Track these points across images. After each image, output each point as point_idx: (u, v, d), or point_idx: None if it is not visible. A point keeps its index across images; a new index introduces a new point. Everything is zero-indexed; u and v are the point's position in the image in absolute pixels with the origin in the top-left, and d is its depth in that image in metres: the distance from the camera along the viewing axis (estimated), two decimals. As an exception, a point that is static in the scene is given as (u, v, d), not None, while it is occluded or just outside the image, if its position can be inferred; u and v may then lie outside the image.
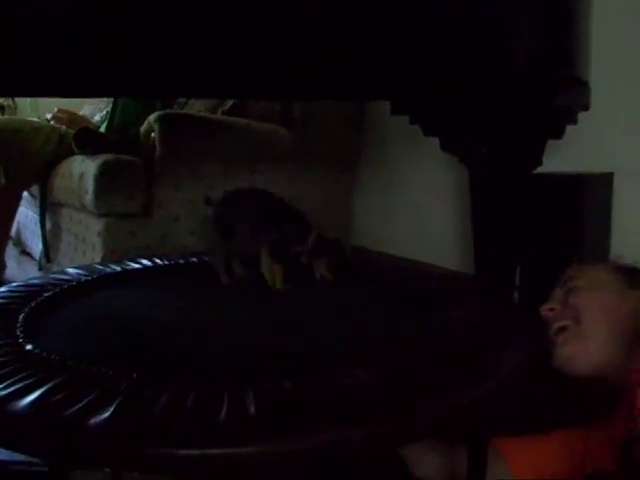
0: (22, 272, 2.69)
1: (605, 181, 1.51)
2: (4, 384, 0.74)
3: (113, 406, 0.66)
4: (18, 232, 2.98)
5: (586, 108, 1.13)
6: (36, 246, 2.61)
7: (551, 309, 1.09)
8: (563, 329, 1.07)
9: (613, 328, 1.00)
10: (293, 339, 0.91)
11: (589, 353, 1.04)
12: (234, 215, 1.20)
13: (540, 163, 1.26)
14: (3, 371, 0.78)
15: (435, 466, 1.02)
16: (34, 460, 0.79)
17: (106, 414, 0.65)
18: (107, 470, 0.60)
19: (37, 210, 2.45)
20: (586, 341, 1.04)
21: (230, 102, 2.26)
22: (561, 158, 1.39)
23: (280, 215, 1.20)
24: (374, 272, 1.33)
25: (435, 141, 1.32)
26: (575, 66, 1.02)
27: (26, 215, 2.78)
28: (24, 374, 0.76)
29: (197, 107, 2.33)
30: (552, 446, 1.04)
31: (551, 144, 1.22)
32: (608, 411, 0.99)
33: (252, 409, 0.64)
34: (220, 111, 2.27)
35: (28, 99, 3.93)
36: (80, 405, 0.67)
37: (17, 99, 4.06)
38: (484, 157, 1.26)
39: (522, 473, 1.01)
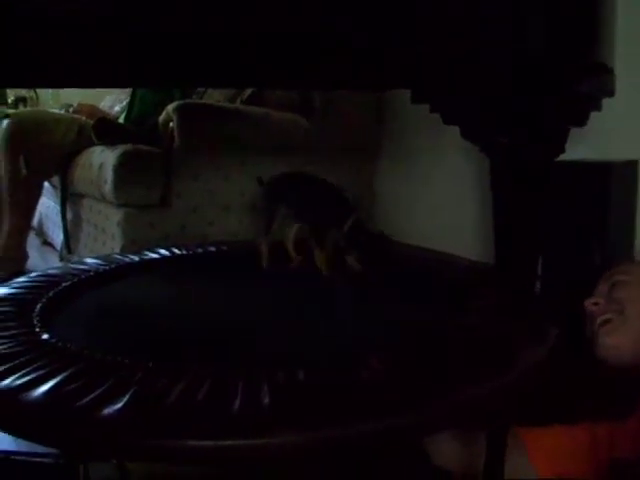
0: (44, 262, 2.71)
1: (630, 169, 1.48)
2: (20, 373, 0.74)
3: (127, 396, 0.66)
4: (40, 222, 3.01)
5: (611, 94, 1.11)
6: (57, 236, 2.62)
7: (595, 303, 1.08)
8: (607, 321, 1.07)
9: None
10: (309, 329, 0.90)
11: (633, 342, 1.04)
12: (278, 197, 1.23)
13: (563, 151, 1.23)
14: (19, 360, 0.78)
15: (455, 455, 1.01)
16: (38, 451, 0.79)
17: (120, 404, 0.64)
18: (113, 462, 0.59)
19: (58, 200, 2.46)
20: (630, 331, 1.04)
21: (249, 91, 2.25)
22: (585, 146, 1.37)
23: (322, 199, 1.19)
24: (394, 261, 1.31)
25: (456, 130, 1.30)
26: (599, 52, 1.00)
27: (47, 205, 2.80)
28: (40, 363, 0.76)
29: (216, 96, 2.32)
30: (574, 437, 1.03)
31: (574, 131, 1.20)
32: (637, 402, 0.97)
33: (266, 400, 0.63)
34: (239, 100, 2.26)
35: (49, 90, 3.96)
36: (94, 395, 0.66)
37: (38, 91, 4.09)
38: (505, 146, 1.24)
39: (540, 462, 1.01)
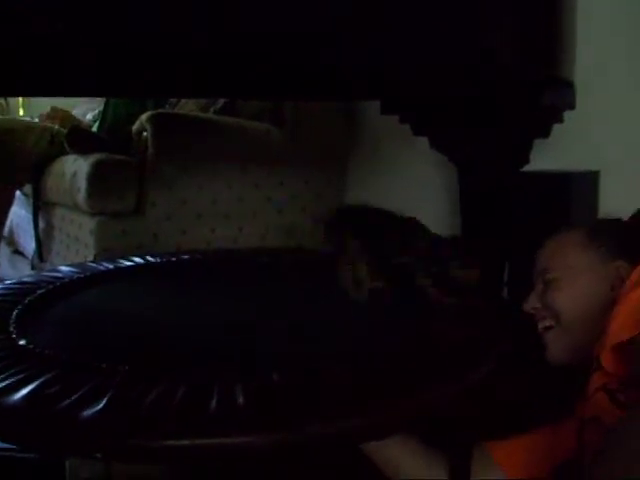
0: (15, 271, 2.70)
1: (591, 179, 1.53)
2: (-3, 378, 0.75)
3: (105, 399, 0.67)
4: (11, 231, 2.99)
5: (571, 107, 1.15)
6: (29, 245, 2.61)
7: (534, 308, 1.11)
8: (547, 328, 1.09)
9: (591, 318, 1.01)
10: (279, 335, 0.93)
11: (573, 346, 1.07)
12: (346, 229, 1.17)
13: (527, 161, 1.28)
14: (-5, 366, 0.79)
15: (410, 471, 1.03)
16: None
17: (99, 406, 0.66)
18: (98, 458, 0.61)
19: (30, 209, 2.45)
20: (569, 339, 1.07)
21: (221, 102, 2.27)
22: (548, 156, 1.42)
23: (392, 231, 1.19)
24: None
25: (425, 140, 1.34)
26: (560, 66, 1.04)
27: (19, 214, 2.78)
28: (17, 369, 0.77)
29: (189, 107, 2.34)
30: (541, 443, 1.06)
31: (538, 143, 1.24)
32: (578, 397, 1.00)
33: (241, 401, 0.66)
34: (211, 110, 2.28)
35: (20, 99, 3.93)
36: (73, 398, 0.68)
37: (9, 98, 4.06)
38: (472, 156, 1.28)
39: (517, 476, 1.03)
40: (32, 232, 2.43)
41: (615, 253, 1.04)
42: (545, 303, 1.09)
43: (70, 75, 0.94)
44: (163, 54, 0.79)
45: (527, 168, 1.29)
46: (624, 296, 0.94)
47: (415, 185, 2.26)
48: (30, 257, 2.57)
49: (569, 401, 1.02)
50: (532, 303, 1.11)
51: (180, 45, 0.79)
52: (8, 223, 2.73)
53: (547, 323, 1.09)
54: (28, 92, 1.88)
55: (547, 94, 1.12)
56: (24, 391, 0.71)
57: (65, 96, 1.09)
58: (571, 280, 1.06)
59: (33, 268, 2.48)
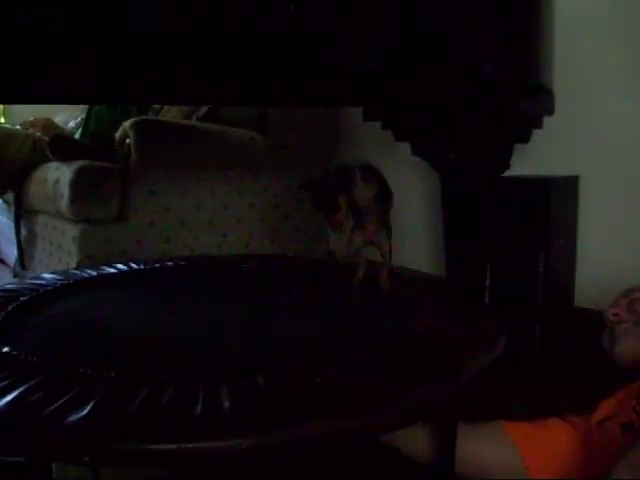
0: (-4, 279, 2.68)
1: (571, 184, 1.55)
2: (-19, 385, 0.75)
3: (91, 404, 0.68)
4: (-8, 239, 2.97)
5: (550, 113, 1.17)
6: (10, 253, 2.60)
7: (615, 314, 1.16)
8: (626, 329, 1.14)
9: None
10: (264, 337, 0.93)
11: None
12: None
13: (508, 167, 1.29)
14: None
15: (423, 446, 1.04)
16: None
17: (84, 411, 0.66)
18: (85, 463, 0.62)
19: (11, 217, 2.44)
20: None
21: (204, 108, 2.28)
22: (528, 162, 1.43)
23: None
24: (346, 275, 1.35)
25: (407, 147, 1.35)
26: (538, 73, 1.06)
27: (0, 222, 2.77)
28: (1, 375, 0.77)
29: (172, 113, 2.35)
30: (565, 433, 1.07)
31: (518, 148, 1.26)
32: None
33: (226, 404, 0.66)
34: (195, 117, 2.29)
35: (0, 106, 3.91)
36: (58, 404, 0.68)
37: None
38: (453, 162, 1.29)
39: (534, 461, 1.05)
40: (14, 240, 2.42)
41: None
42: (629, 311, 1.14)
43: (54, 82, 0.94)
44: (148, 59, 0.80)
45: (507, 173, 1.31)
46: None
47: (397, 191, 2.27)
48: (12, 265, 2.56)
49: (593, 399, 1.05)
50: (616, 310, 1.16)
51: (165, 51, 0.79)
52: (-11, 231, 2.72)
53: (626, 325, 1.14)
54: (10, 99, 1.88)
55: (524, 101, 1.14)
56: (8, 397, 0.70)
57: (47, 103, 1.09)
58: None
59: (15, 276, 2.47)
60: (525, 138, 1.24)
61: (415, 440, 1.07)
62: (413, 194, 2.15)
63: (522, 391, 1.30)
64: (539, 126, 1.23)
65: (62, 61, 0.75)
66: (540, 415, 1.11)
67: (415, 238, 2.15)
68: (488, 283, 1.43)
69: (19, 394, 0.71)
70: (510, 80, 1.02)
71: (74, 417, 0.65)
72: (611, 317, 1.17)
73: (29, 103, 1.04)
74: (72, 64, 0.76)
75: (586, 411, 1.07)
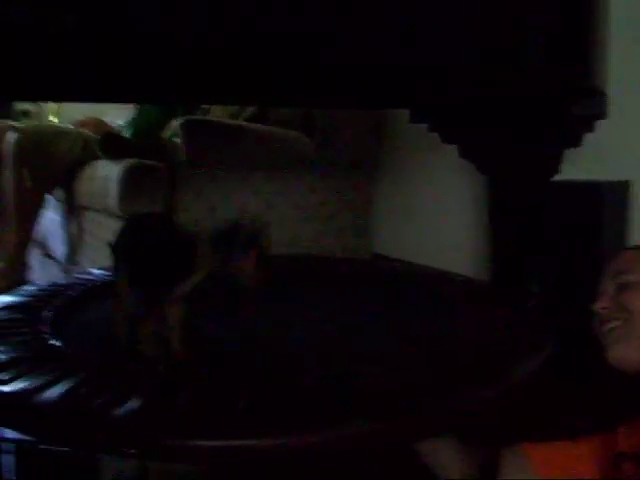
0: (45, 274, 2.74)
1: (622, 189, 1.51)
2: (31, 378, 0.76)
3: (139, 399, 0.69)
4: (42, 235, 3.04)
5: (603, 116, 1.15)
6: (59, 249, 2.65)
7: (604, 308, 1.10)
8: (614, 329, 1.09)
9: None
10: (309, 340, 0.93)
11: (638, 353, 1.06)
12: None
13: (558, 171, 1.27)
14: (29, 366, 0.80)
15: (453, 465, 1.03)
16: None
17: (133, 406, 0.67)
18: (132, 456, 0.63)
19: (61, 213, 2.49)
20: (636, 341, 1.06)
21: (251, 109, 2.29)
22: (579, 166, 1.41)
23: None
24: (393, 277, 1.35)
25: (454, 149, 1.34)
26: (591, 75, 1.04)
27: (50, 218, 2.83)
28: (50, 368, 0.79)
29: (219, 113, 2.37)
30: (583, 452, 1.05)
31: (569, 152, 1.24)
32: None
33: (272, 402, 0.67)
34: (242, 117, 2.30)
35: (53, 105, 3.99)
36: (107, 397, 0.69)
37: (42, 104, 4.13)
38: (501, 165, 1.27)
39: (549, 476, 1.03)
40: (63, 235, 2.47)
41: None
42: (618, 304, 1.08)
43: (102, 81, 0.96)
44: (195, 60, 0.81)
45: (557, 177, 1.28)
46: None
47: (443, 194, 2.26)
48: (61, 260, 2.61)
49: (615, 414, 1.01)
50: (603, 303, 1.09)
51: (209, 50, 0.80)
52: (40, 227, 2.78)
53: (616, 323, 1.08)
54: (62, 97, 1.92)
55: (578, 103, 1.12)
56: (58, 389, 0.72)
57: (97, 102, 1.11)
58: None
59: (64, 272, 2.52)
60: (576, 142, 1.22)
61: (442, 451, 1.05)
62: (460, 198, 2.13)
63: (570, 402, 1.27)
64: (590, 129, 1.21)
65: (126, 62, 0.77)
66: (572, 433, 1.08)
67: (458, 242, 2.12)
68: (538, 289, 1.41)
69: (69, 387, 0.73)
70: (562, 83, 1.00)
71: (122, 410, 0.66)
72: (599, 310, 1.10)
73: (82, 102, 1.06)
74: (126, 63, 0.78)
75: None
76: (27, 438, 0.72)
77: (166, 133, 2.09)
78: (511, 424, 0.99)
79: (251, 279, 0.89)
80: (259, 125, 2.22)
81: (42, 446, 0.76)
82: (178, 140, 2.00)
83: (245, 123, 2.25)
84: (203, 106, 2.41)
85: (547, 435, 1.08)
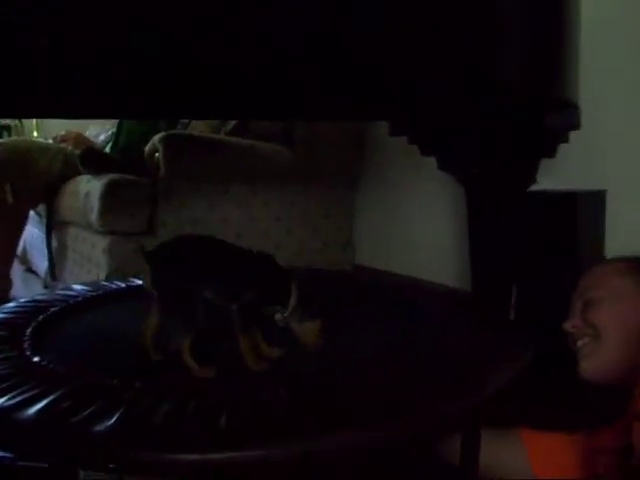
0: (28, 290, 2.73)
1: (598, 198, 1.54)
2: (12, 394, 0.76)
3: (118, 414, 0.69)
4: (24, 250, 3.03)
5: (576, 127, 1.17)
6: (41, 264, 2.64)
7: (573, 326, 1.13)
8: (584, 346, 1.12)
9: (631, 339, 1.03)
10: (291, 352, 0.94)
11: (611, 364, 1.08)
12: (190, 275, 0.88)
13: (534, 181, 1.29)
14: (10, 382, 0.80)
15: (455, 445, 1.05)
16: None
17: (111, 421, 0.67)
18: (112, 471, 0.63)
19: (43, 229, 2.49)
20: (605, 355, 1.09)
21: (232, 123, 2.30)
22: (555, 176, 1.43)
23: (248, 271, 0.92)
24: (372, 289, 1.36)
25: (433, 161, 1.35)
26: (564, 88, 1.06)
27: (32, 234, 2.82)
28: (30, 385, 0.79)
29: (200, 127, 2.37)
30: (568, 444, 1.08)
31: (545, 163, 1.26)
32: (618, 415, 1.02)
33: (250, 415, 0.67)
34: (223, 131, 2.31)
35: (33, 120, 3.99)
36: (86, 413, 0.70)
37: (23, 120, 4.12)
38: (479, 177, 1.29)
39: (537, 465, 1.08)
40: (45, 251, 2.47)
41: None
42: (586, 320, 1.10)
43: (83, 96, 0.96)
44: (175, 75, 0.82)
45: (533, 188, 1.30)
46: None
47: (423, 204, 2.28)
48: (43, 276, 2.60)
49: (606, 411, 1.04)
50: (574, 321, 1.13)
51: (191, 65, 0.81)
52: (21, 242, 2.77)
53: (586, 340, 1.11)
54: (40, 113, 1.91)
55: (549, 116, 1.14)
56: (37, 406, 0.72)
57: (79, 118, 1.11)
58: (614, 300, 1.08)
59: (46, 287, 2.51)
60: (551, 153, 1.24)
61: (447, 439, 1.08)
62: (440, 209, 2.15)
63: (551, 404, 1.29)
64: (565, 140, 1.23)
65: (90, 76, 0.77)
66: (561, 427, 1.12)
67: (440, 253, 2.14)
68: (514, 299, 1.43)
69: (48, 403, 0.73)
70: (535, 95, 1.02)
71: (101, 426, 0.67)
72: (570, 329, 1.14)
73: (56, 117, 1.07)
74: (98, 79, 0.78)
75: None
76: (6, 455, 0.72)
77: (147, 148, 2.10)
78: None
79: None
80: (240, 139, 2.23)
81: (21, 462, 0.76)
82: (159, 155, 2.01)
83: (226, 137, 2.26)
84: (183, 120, 2.42)
85: (542, 425, 1.12)
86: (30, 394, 0.76)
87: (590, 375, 1.11)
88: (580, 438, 1.09)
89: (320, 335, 0.88)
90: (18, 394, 0.76)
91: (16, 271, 2.81)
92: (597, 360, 1.10)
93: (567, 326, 1.14)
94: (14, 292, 2.58)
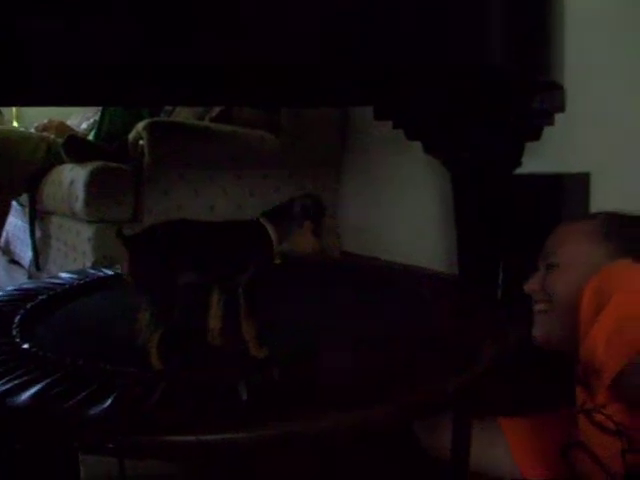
0: (12, 281, 2.71)
1: (582, 181, 1.55)
2: (3, 380, 0.76)
3: (111, 398, 0.69)
4: (7, 241, 3.00)
5: (561, 110, 1.18)
6: (25, 254, 2.62)
7: (532, 290, 1.12)
8: (540, 312, 1.11)
9: (583, 309, 1.02)
10: (284, 334, 0.94)
11: (558, 335, 1.08)
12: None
13: (519, 164, 1.30)
14: (1, 369, 0.80)
15: (444, 441, 1.05)
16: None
17: (105, 405, 0.67)
18: (107, 454, 0.63)
19: (26, 219, 2.47)
20: (555, 324, 1.08)
21: (217, 109, 2.30)
22: (540, 159, 1.44)
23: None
24: (360, 274, 1.36)
25: (418, 145, 1.36)
26: (549, 70, 1.06)
27: (15, 224, 2.80)
28: (22, 371, 0.79)
29: (184, 115, 2.36)
30: (545, 427, 1.09)
31: (530, 145, 1.27)
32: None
33: (244, 397, 0.68)
34: (207, 118, 2.31)
35: (13, 109, 3.94)
36: (79, 397, 0.70)
37: (2, 109, 4.07)
38: (465, 160, 1.30)
39: (519, 452, 1.09)
40: (28, 241, 2.45)
41: (623, 251, 1.04)
42: (544, 286, 1.10)
43: (68, 84, 0.96)
44: (160, 63, 0.81)
45: (519, 171, 1.31)
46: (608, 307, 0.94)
47: (408, 189, 2.29)
48: (27, 266, 2.58)
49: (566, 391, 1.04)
50: (532, 285, 1.12)
51: (177, 52, 0.81)
52: (4, 233, 2.75)
53: (542, 307, 1.10)
54: (24, 102, 1.90)
55: (537, 98, 1.14)
56: (31, 391, 0.72)
57: (62, 105, 1.11)
58: (573, 268, 1.06)
59: (30, 277, 2.49)
60: (536, 135, 1.25)
61: (437, 435, 1.08)
62: (425, 193, 2.16)
63: (529, 386, 1.31)
64: (550, 123, 1.24)
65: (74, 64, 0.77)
66: (539, 409, 1.13)
67: (428, 237, 2.15)
68: (500, 280, 1.44)
69: (40, 389, 0.73)
70: (521, 76, 1.03)
71: (95, 410, 0.67)
72: (528, 292, 1.13)
73: (37, 105, 1.06)
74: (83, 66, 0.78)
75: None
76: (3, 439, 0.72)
77: (131, 135, 2.08)
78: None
79: (311, 249, 0.92)
80: (224, 125, 2.23)
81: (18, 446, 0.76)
82: (143, 142, 2.00)
83: (210, 124, 2.25)
84: (167, 107, 2.41)
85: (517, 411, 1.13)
86: (22, 379, 0.75)
87: (540, 342, 1.12)
88: (551, 419, 1.10)
89: (316, 234, 0.90)
90: (10, 380, 0.76)
91: (-1, 262, 2.80)
92: (547, 328, 1.10)
93: (525, 288, 1.14)
94: (-2, 283, 2.56)
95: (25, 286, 1.22)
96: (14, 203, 2.64)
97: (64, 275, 1.29)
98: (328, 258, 1.87)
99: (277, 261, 0.91)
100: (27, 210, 2.46)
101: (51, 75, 0.84)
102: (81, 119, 2.91)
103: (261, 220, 0.90)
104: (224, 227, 0.91)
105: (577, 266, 1.06)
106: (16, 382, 0.74)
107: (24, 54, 0.76)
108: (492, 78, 1.02)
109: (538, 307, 1.11)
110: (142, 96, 1.28)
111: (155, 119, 2.15)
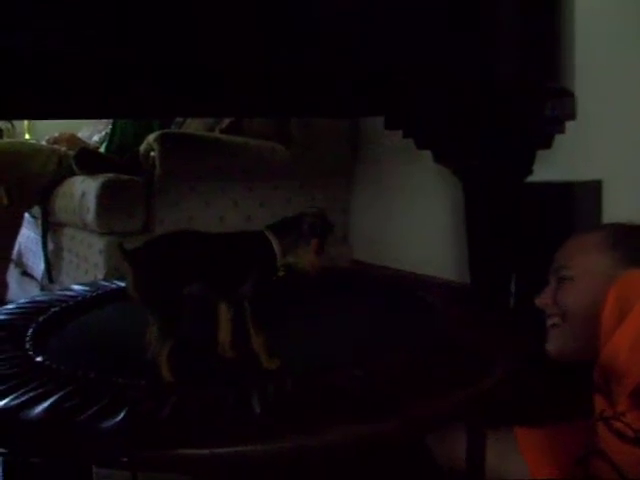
0: (24, 293, 2.72)
1: (594, 189, 1.55)
2: (17, 393, 0.76)
3: (124, 411, 0.69)
4: (19, 253, 3.01)
5: (572, 117, 1.17)
6: (37, 267, 2.63)
7: (545, 303, 1.12)
8: (554, 326, 1.11)
9: (599, 323, 1.02)
10: (293, 346, 0.94)
11: (572, 349, 1.08)
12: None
13: (530, 172, 1.30)
14: (15, 382, 0.80)
15: (458, 451, 1.04)
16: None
17: (117, 418, 0.67)
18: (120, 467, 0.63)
19: (38, 231, 2.48)
20: (569, 339, 1.08)
21: (227, 121, 2.30)
22: (551, 167, 1.43)
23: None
24: (373, 283, 1.36)
25: (429, 154, 1.36)
26: (560, 78, 1.06)
27: (27, 236, 2.81)
28: (35, 384, 0.79)
29: (195, 126, 2.37)
30: (560, 437, 1.08)
31: (541, 154, 1.26)
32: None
33: (257, 409, 0.67)
34: (217, 130, 2.31)
35: (25, 122, 3.97)
36: (92, 411, 0.70)
37: (15, 122, 4.10)
38: (476, 169, 1.29)
39: (534, 461, 1.06)
40: (41, 253, 2.46)
41: (629, 260, 1.03)
42: (556, 299, 1.10)
43: (77, 97, 0.96)
44: (170, 75, 0.82)
45: (530, 179, 1.31)
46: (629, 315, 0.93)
47: (419, 198, 2.28)
48: (39, 278, 2.59)
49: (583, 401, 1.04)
50: (544, 298, 1.12)
51: (185, 64, 0.81)
52: (17, 245, 2.76)
53: (555, 320, 1.10)
54: (38, 115, 1.91)
55: (548, 105, 1.14)
56: (44, 405, 0.72)
57: (72, 118, 1.11)
58: (584, 280, 1.06)
59: (42, 289, 2.50)
60: (547, 143, 1.24)
61: (450, 446, 1.08)
62: (436, 202, 2.16)
63: (547, 395, 1.30)
64: (561, 131, 1.23)
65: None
66: (554, 419, 1.12)
67: (440, 246, 2.14)
68: (513, 289, 1.43)
69: (54, 402, 0.73)
70: (532, 84, 1.03)
71: (108, 424, 0.67)
72: (540, 306, 1.12)
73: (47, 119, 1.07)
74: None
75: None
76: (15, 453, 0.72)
77: (142, 147, 2.09)
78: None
79: (311, 267, 0.91)
80: (234, 137, 2.23)
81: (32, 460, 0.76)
82: (154, 154, 2.01)
83: (220, 135, 2.26)
84: (177, 119, 2.41)
85: (533, 421, 1.12)
86: (35, 393, 0.76)
87: (554, 356, 1.11)
88: (567, 429, 1.09)
89: (319, 253, 0.91)
90: (23, 393, 0.76)
91: (12, 275, 2.81)
92: (561, 342, 1.09)
93: (537, 302, 1.13)
94: (10, 296, 2.57)
95: (38, 299, 1.23)
96: (27, 215, 2.65)
97: (76, 287, 1.30)
98: (337, 268, 1.86)
99: (281, 273, 0.91)
100: (39, 222, 2.47)
101: (59, 87, 0.85)
102: (92, 131, 2.92)
103: (265, 232, 0.90)
104: (226, 238, 0.92)
105: (587, 277, 1.05)
106: (29, 395, 0.75)
107: (32, 67, 0.77)
108: (503, 86, 1.02)
109: (551, 321, 1.10)
110: (150, 107, 1.28)
111: (166, 131, 2.15)
